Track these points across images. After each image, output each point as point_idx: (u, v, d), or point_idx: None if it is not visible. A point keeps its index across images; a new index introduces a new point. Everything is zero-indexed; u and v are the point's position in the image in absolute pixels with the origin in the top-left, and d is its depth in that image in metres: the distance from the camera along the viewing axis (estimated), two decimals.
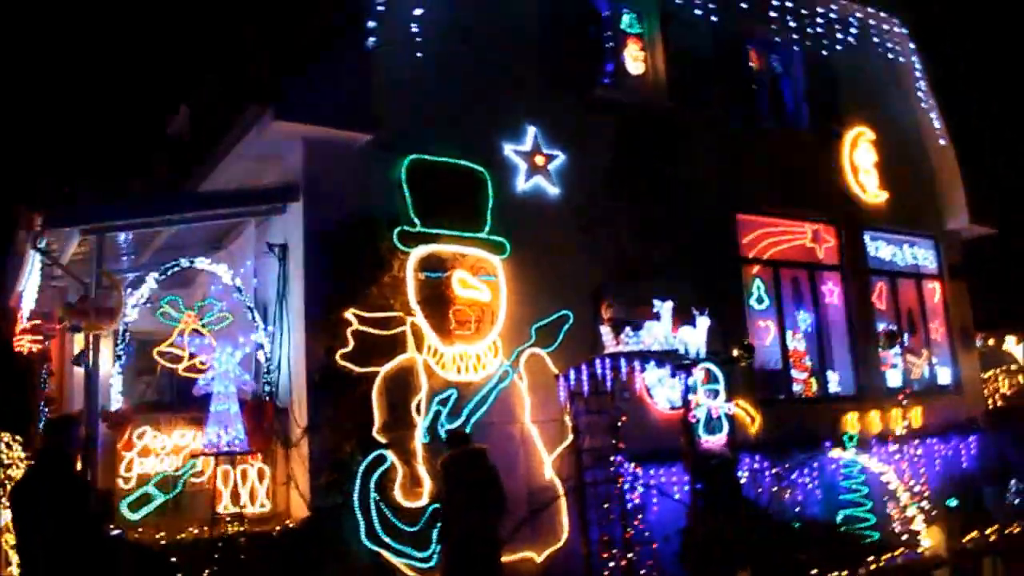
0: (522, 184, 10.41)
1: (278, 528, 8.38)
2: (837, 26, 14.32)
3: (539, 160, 10.54)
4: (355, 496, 8.33)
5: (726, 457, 9.27)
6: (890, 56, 15.19)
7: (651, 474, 9.79)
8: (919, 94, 15.33)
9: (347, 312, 8.68)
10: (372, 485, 8.42)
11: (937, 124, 15.31)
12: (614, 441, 9.20)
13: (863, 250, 13.97)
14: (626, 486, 9.29)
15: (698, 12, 12.54)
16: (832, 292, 13.49)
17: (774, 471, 10.93)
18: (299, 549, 8.16)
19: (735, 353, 9.97)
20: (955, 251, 15.43)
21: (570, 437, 9.65)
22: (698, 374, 9.44)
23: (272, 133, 8.94)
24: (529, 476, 9.50)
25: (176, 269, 9.12)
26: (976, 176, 15.35)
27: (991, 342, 18.42)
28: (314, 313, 8.81)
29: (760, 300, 12.48)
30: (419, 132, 9.67)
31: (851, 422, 12.35)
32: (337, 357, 8.58)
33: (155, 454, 8.58)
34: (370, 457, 8.49)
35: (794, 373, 12.67)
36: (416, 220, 9.32)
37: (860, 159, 14.19)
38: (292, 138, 9.14)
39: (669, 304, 9.53)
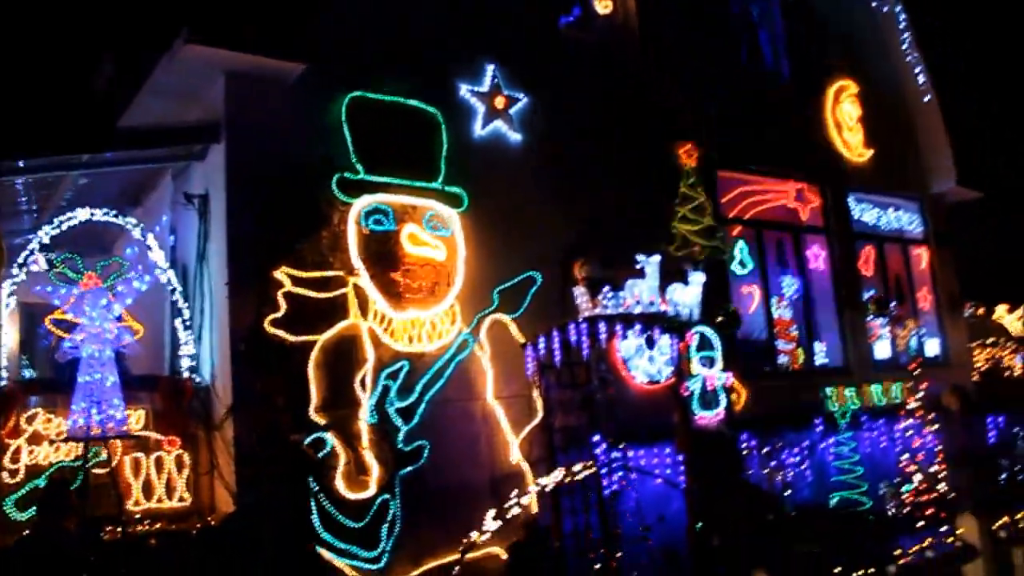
0: (480, 129, 9.16)
1: (198, 526, 7.07)
2: None
3: (499, 102, 9.29)
4: (289, 487, 7.05)
5: (725, 435, 8.11)
6: (873, 4, 14.17)
7: (631, 456, 8.57)
8: (904, 47, 14.32)
9: (278, 271, 7.38)
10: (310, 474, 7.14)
11: (922, 79, 14.31)
12: (594, 418, 7.95)
13: (848, 212, 12.98)
14: (605, 470, 8.06)
15: None
16: (817, 256, 12.49)
17: (763, 451, 9.84)
18: (221, 550, 6.86)
19: (719, 320, 8.80)
20: (941, 215, 14.50)
21: (540, 415, 8.44)
22: (692, 340, 8.27)
23: (187, 61, 7.57)
24: (493, 460, 8.32)
25: (74, 222, 7.69)
26: (963, 136, 14.41)
27: (980, 311, 17.55)
28: (238, 273, 7.49)
29: (743, 264, 11.36)
30: (362, 65, 8.38)
31: (840, 396, 11.31)
32: (266, 324, 7.29)
33: (49, 441, 7.18)
34: (307, 440, 7.23)
35: (779, 344, 11.59)
36: (359, 167, 8.04)
37: (843, 115, 13.20)
38: (213, 70, 7.78)
39: (656, 259, 8.34)
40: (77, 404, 6.75)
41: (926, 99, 14.29)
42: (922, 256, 14.24)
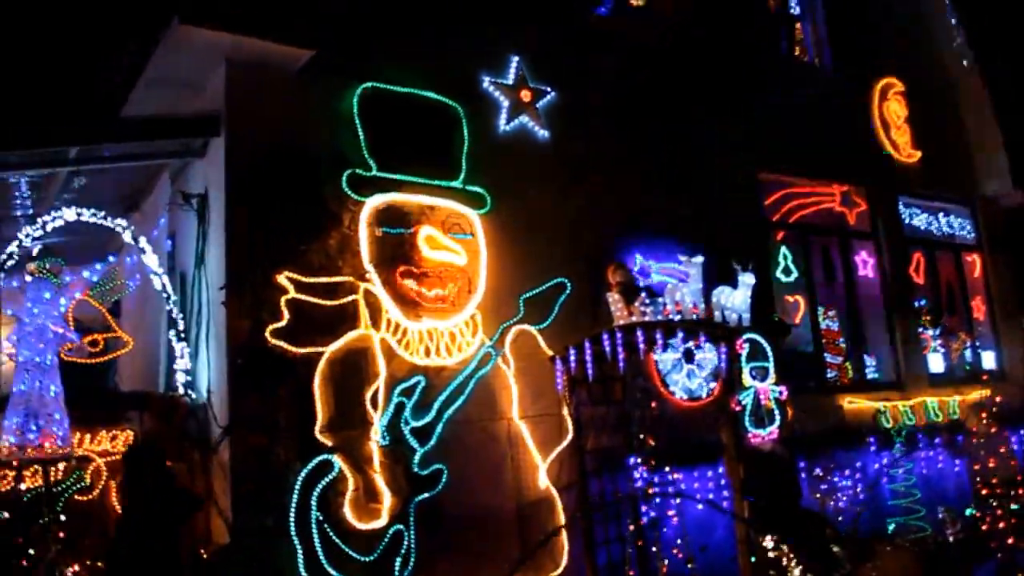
0: (504, 125, 8.43)
1: (188, 561, 6.34)
2: None
3: (525, 96, 8.55)
4: (291, 515, 6.32)
5: (781, 457, 7.28)
6: None
7: (672, 479, 7.76)
8: (954, 43, 13.48)
9: (280, 276, 6.67)
10: (314, 501, 6.41)
11: (973, 76, 13.43)
12: (631, 439, 7.14)
13: (898, 216, 12.12)
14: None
15: None
16: (866, 264, 11.62)
17: (814, 473, 9.00)
18: None
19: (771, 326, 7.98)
20: (995, 220, 13.57)
21: (570, 435, 7.65)
22: (742, 349, 7.45)
23: (183, 45, 6.88)
24: (519, 486, 7.52)
25: (59, 223, 6.99)
26: (1018, 136, 13.46)
27: None
28: (237, 277, 6.76)
29: (787, 271, 10.54)
30: (375, 54, 7.68)
31: (895, 413, 10.47)
32: (267, 334, 6.57)
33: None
34: (311, 464, 6.49)
35: (827, 357, 10.74)
36: (371, 163, 7.34)
37: (890, 113, 12.37)
38: (212, 56, 7.09)
39: (700, 259, 7.53)
40: (9, 419, 5.94)
41: (978, 97, 13.41)
42: (975, 263, 13.33)
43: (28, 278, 6.77)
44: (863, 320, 11.40)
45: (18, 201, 8.72)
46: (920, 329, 11.74)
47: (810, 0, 12.19)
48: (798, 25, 12.13)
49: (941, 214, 13.09)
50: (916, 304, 11.90)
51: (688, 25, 10.05)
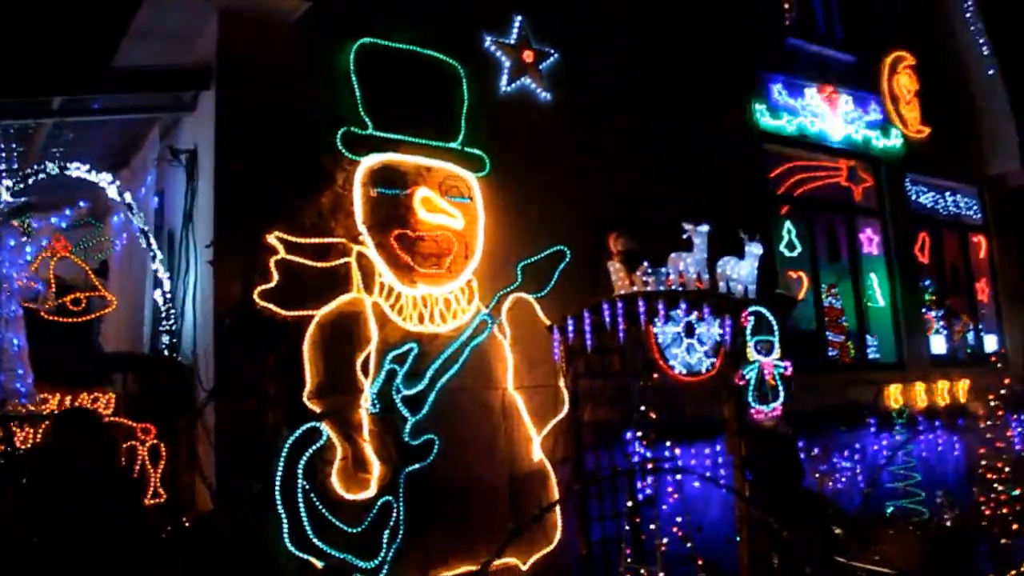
0: (506, 85, 8.16)
1: (169, 528, 6.12)
2: None
3: (528, 57, 8.28)
4: (277, 484, 6.08)
5: (784, 434, 7.06)
6: None
7: (670, 455, 7.55)
8: (965, 15, 13.17)
9: (270, 236, 6.41)
10: (301, 469, 6.14)
11: (985, 51, 13.15)
12: (629, 412, 6.91)
13: (904, 194, 11.87)
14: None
15: None
16: (871, 241, 11.39)
17: (813, 452, 8.81)
18: (196, 555, 5.93)
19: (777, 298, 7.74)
20: (1003, 200, 13.33)
21: (566, 407, 7.43)
22: (747, 322, 7.23)
23: None
24: (512, 458, 7.28)
25: (41, 176, 6.72)
26: None
27: None
28: (226, 237, 6.51)
29: (791, 246, 10.30)
30: (375, 8, 7.41)
31: (895, 394, 10.29)
32: (255, 296, 6.31)
33: None
34: (299, 431, 6.22)
35: (829, 335, 10.53)
36: (367, 121, 7.07)
37: (900, 88, 12.08)
38: (204, 6, 6.83)
39: (705, 228, 7.27)
40: None
41: (989, 73, 13.13)
42: (981, 244, 13.11)
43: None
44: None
45: (2, 154, 8.43)
46: (923, 310, 11.51)
47: None
48: None
49: (948, 193, 12.87)
50: (921, 284, 11.66)
51: None
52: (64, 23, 8.32)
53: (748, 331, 7.35)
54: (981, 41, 13.17)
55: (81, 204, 6.92)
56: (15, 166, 8.62)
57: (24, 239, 6.24)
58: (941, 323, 11.84)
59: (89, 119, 7.38)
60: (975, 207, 13.20)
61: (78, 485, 4.89)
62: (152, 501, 6.48)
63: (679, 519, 6.97)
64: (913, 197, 12.14)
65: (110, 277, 8.75)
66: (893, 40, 12.17)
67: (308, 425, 6.27)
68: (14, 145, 8.14)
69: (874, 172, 11.56)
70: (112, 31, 7.29)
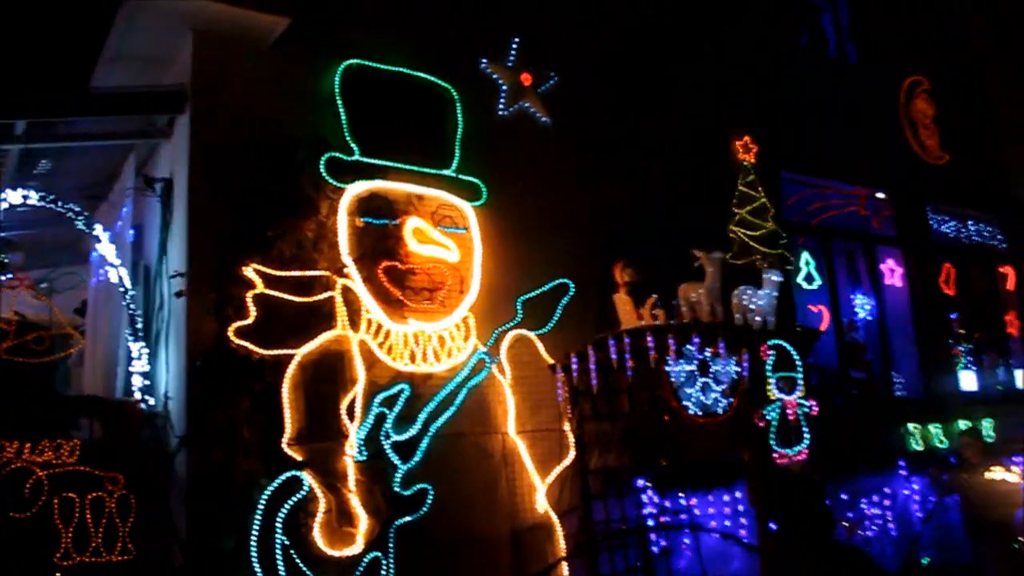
0: (502, 110, 7.71)
1: None
2: None
3: (526, 80, 7.84)
4: (254, 539, 5.54)
5: (811, 480, 6.46)
6: None
7: (685, 504, 6.96)
8: (982, 38, 12.77)
9: (248, 268, 5.92)
10: (280, 523, 5.62)
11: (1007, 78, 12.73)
12: (639, 458, 6.34)
13: (926, 222, 11.35)
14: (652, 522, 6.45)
15: None
16: (893, 272, 10.84)
17: (840, 498, 8.19)
18: None
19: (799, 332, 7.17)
20: None
21: (572, 453, 6.87)
22: (767, 357, 6.66)
23: (145, 10, 6.20)
24: (515, 509, 6.75)
25: (3, 205, 6.26)
26: None
27: None
28: (200, 270, 6.04)
29: (810, 279, 9.76)
30: (360, 28, 7.02)
31: (924, 434, 9.68)
32: (231, 333, 5.81)
33: None
34: (278, 481, 5.70)
35: (852, 372, 9.94)
36: (354, 146, 6.64)
37: (918, 113, 11.66)
38: (179, 26, 6.41)
39: (719, 255, 6.75)
40: None
41: (1010, 99, 12.67)
42: (1010, 275, 12.52)
43: None
44: (890, 333, 10.58)
45: None
46: (954, 344, 10.93)
47: None
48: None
49: (971, 222, 12.33)
50: (947, 317, 11.10)
51: (703, 12, 9.34)
52: (34, 46, 7.92)
53: (769, 367, 6.77)
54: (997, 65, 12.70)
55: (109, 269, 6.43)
56: None
57: None
58: (969, 358, 11.23)
59: (59, 145, 6.95)
60: (1000, 236, 12.63)
61: None
62: (120, 558, 5.93)
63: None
64: (935, 225, 11.59)
65: (87, 316, 8.28)
66: (909, 64, 11.72)
67: (288, 474, 5.77)
68: None
69: (893, 200, 11.02)
70: (83, 54, 6.87)
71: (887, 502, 8.82)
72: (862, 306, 10.46)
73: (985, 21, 13.02)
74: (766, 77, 9.78)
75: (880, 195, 10.93)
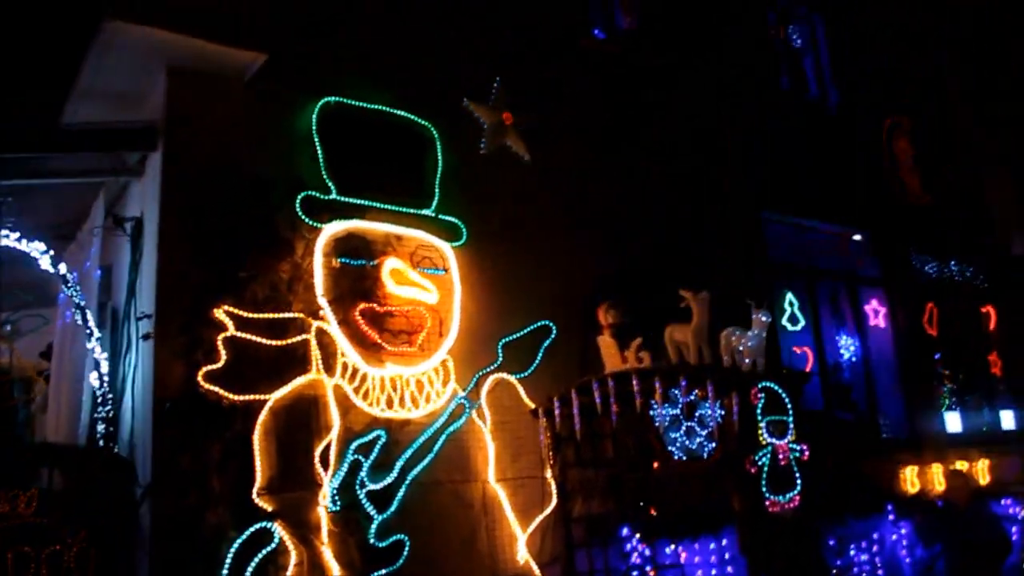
0: (483, 148, 7.56)
1: None
2: None
3: (507, 118, 7.70)
4: None
5: (805, 527, 6.26)
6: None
7: (669, 553, 6.74)
8: (959, 82, 12.85)
9: (218, 310, 5.71)
10: None
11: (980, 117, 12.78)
12: (624, 506, 6.13)
13: (910, 263, 11.27)
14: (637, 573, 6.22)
15: None
16: (877, 313, 10.73)
17: (827, 544, 7.98)
18: None
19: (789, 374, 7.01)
20: (1009, 268, 12.75)
21: (554, 501, 6.65)
22: (757, 400, 6.49)
23: (117, 47, 5.98)
24: (495, 560, 6.49)
25: None
26: None
27: None
28: (169, 310, 5.80)
29: (794, 320, 9.63)
30: (339, 65, 6.87)
31: (912, 477, 9.52)
32: (200, 378, 5.58)
33: None
34: (247, 533, 5.45)
35: (838, 414, 9.78)
36: (330, 185, 6.46)
37: (900, 153, 11.62)
38: (152, 62, 6.22)
39: (705, 296, 6.59)
40: None
41: (989, 142, 12.72)
42: (991, 315, 12.46)
43: None
44: (876, 374, 10.45)
45: None
46: (938, 384, 10.83)
47: (812, 33, 11.52)
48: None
49: (952, 261, 12.25)
50: (932, 357, 11.00)
51: (683, 53, 9.31)
52: (2, 80, 7.72)
53: (759, 410, 6.60)
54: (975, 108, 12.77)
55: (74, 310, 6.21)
56: None
57: None
58: (954, 399, 11.12)
59: (26, 183, 6.72)
60: (982, 276, 12.58)
61: None
62: None
63: None
64: (918, 266, 11.52)
65: (52, 359, 8.01)
66: (890, 105, 11.73)
67: (258, 526, 5.53)
68: None
69: (876, 241, 10.96)
70: (54, 89, 6.66)
71: (875, 547, 8.62)
72: (846, 347, 10.29)
73: (959, 61, 13.08)
74: (747, 118, 9.71)
75: (860, 237, 10.83)
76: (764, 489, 6.45)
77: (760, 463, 6.50)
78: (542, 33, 8.23)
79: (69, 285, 6.28)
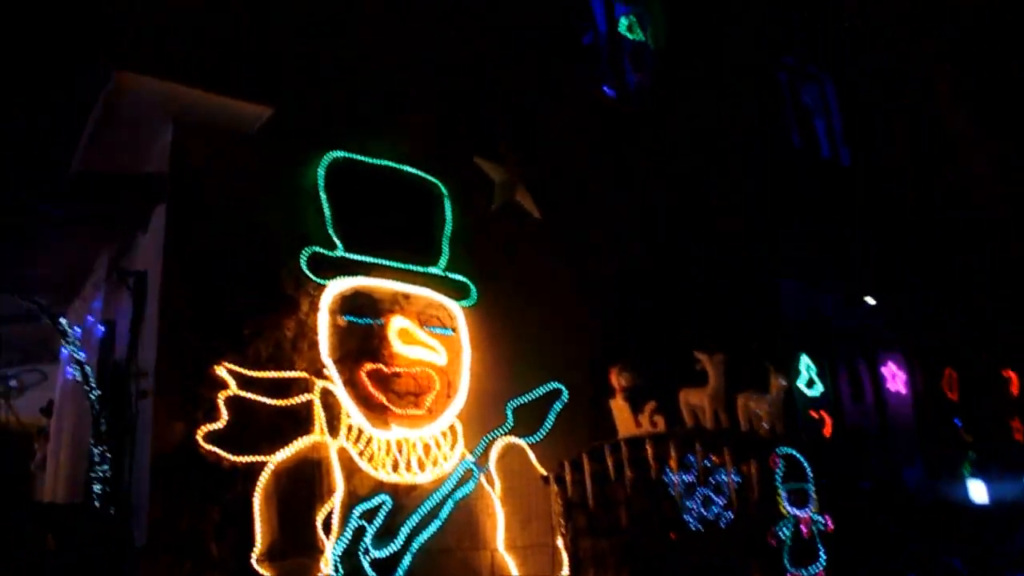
0: (492, 206, 7.46)
1: None
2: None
3: (517, 175, 7.60)
4: None
5: None
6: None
7: None
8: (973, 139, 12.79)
9: (220, 368, 5.54)
10: None
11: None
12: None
13: (926, 325, 11.06)
14: None
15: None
16: (895, 377, 10.48)
17: None
18: None
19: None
20: None
21: (565, 570, 6.37)
22: (776, 466, 6.24)
23: (125, 100, 5.95)
24: None
25: None
26: None
27: None
28: (170, 367, 5.63)
29: (811, 384, 9.40)
30: (345, 120, 6.81)
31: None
32: (199, 438, 5.39)
33: None
34: None
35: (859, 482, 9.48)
36: (337, 241, 6.34)
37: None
38: (158, 113, 6.15)
39: (721, 358, 6.40)
40: None
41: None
42: (1013, 379, 12.19)
43: None
44: (895, 440, 10.18)
45: None
46: (960, 451, 10.54)
47: (823, 93, 11.51)
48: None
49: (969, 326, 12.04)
50: (952, 423, 10.73)
51: (694, 109, 9.28)
52: (8, 131, 7.68)
53: (779, 477, 6.34)
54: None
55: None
56: None
57: None
58: (976, 467, 10.80)
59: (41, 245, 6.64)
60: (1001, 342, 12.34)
61: None
62: None
63: None
64: (934, 329, 11.30)
65: (53, 416, 7.85)
66: (904, 163, 11.67)
67: None
68: None
69: (893, 304, 10.77)
70: (60, 141, 6.60)
71: None
72: (864, 412, 10.04)
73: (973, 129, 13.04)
74: (760, 181, 9.63)
75: (873, 301, 10.65)
76: (786, 563, 6.15)
77: (782, 535, 6.21)
78: (552, 89, 8.19)
79: (70, 341, 6.13)
